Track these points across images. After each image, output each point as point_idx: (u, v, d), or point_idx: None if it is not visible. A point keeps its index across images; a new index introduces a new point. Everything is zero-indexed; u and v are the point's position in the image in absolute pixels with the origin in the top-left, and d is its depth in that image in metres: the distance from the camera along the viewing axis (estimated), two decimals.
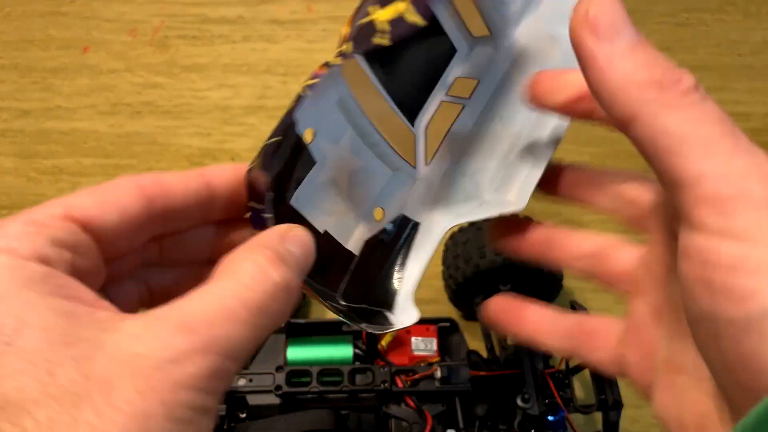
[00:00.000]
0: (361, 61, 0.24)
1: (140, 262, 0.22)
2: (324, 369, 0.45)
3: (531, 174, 0.26)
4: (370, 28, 0.23)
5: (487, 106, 0.27)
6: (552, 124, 0.27)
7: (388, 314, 0.26)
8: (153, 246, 0.22)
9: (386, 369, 0.45)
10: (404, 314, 0.26)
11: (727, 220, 0.15)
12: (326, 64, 0.23)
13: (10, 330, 0.15)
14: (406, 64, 0.24)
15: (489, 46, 0.25)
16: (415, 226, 0.27)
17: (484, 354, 0.49)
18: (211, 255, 0.23)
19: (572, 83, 0.23)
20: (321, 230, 0.23)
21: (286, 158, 0.22)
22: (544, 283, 0.53)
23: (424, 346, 0.50)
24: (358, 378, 0.45)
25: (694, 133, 0.16)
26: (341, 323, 0.50)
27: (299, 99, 0.22)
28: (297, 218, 0.23)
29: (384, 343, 0.49)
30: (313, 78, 0.22)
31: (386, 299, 0.26)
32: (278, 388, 0.44)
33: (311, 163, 0.23)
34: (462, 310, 0.59)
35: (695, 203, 0.16)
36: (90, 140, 0.70)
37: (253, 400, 0.44)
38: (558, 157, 0.27)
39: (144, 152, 0.70)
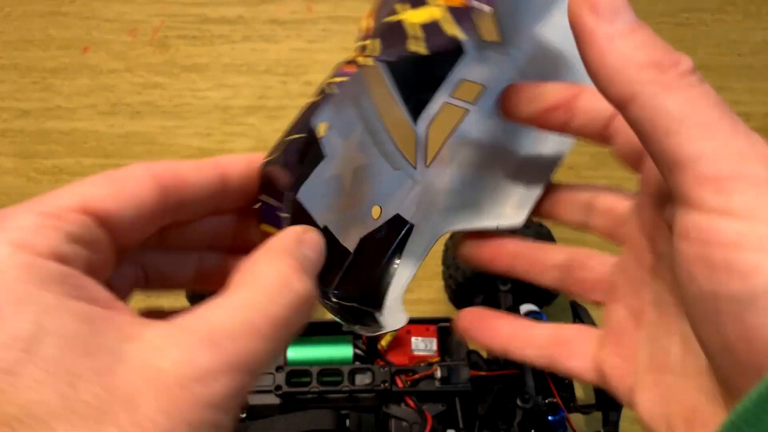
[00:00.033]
0: (381, 66, 0.23)
1: (139, 246, 0.21)
2: (324, 369, 0.45)
3: (531, 189, 0.26)
4: (400, 30, 0.22)
5: (492, 115, 0.27)
6: (556, 140, 0.26)
7: (378, 315, 0.26)
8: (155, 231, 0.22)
9: (386, 369, 0.45)
10: (393, 317, 0.26)
11: (728, 198, 0.15)
12: (354, 63, 0.22)
13: (29, 337, 0.14)
14: (414, 60, 0.24)
15: (498, 52, 0.25)
16: (410, 228, 0.27)
17: (484, 354, 0.49)
18: (212, 242, 0.23)
19: (545, 94, 0.23)
20: (321, 225, 0.23)
21: (303, 153, 0.22)
22: None
23: (424, 346, 0.50)
24: (358, 378, 0.45)
25: (693, 113, 0.16)
26: (341, 323, 0.50)
27: (325, 97, 0.22)
28: (300, 211, 0.23)
29: (384, 343, 0.49)
30: (340, 75, 0.22)
31: (376, 300, 0.26)
32: (278, 388, 0.44)
33: (321, 157, 0.23)
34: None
35: (694, 183, 0.16)
36: (90, 140, 0.70)
37: (253, 400, 0.44)
38: None
39: (144, 152, 0.70)
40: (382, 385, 0.44)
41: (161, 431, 0.14)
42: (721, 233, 0.15)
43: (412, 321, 0.51)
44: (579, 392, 0.49)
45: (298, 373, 0.45)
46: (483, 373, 0.46)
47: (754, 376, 0.15)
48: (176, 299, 0.48)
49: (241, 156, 0.22)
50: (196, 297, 0.53)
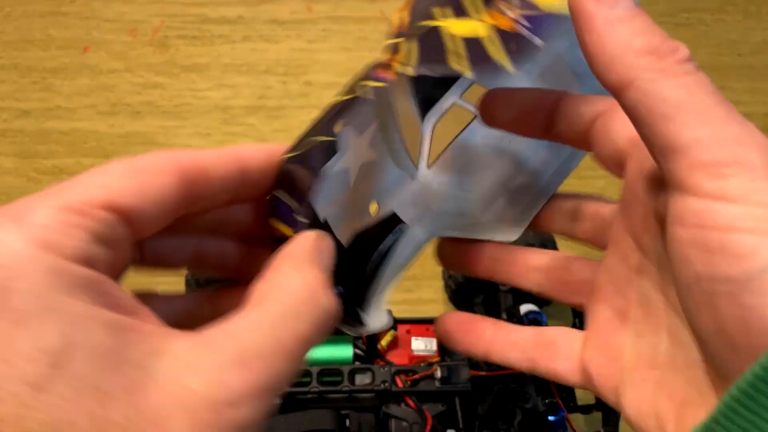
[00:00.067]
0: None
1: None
2: (324, 369, 0.45)
3: (530, 205, 0.26)
4: (439, 39, 0.21)
5: None
6: (561, 160, 0.26)
7: (362, 314, 0.26)
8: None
9: (386, 369, 0.45)
10: (376, 318, 0.26)
11: (723, 183, 0.16)
12: (391, 68, 0.21)
13: (58, 351, 0.14)
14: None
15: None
16: (402, 228, 0.27)
17: None
18: (215, 228, 0.23)
19: (524, 99, 0.23)
20: (321, 219, 0.23)
21: (328, 158, 0.22)
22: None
23: (424, 346, 0.50)
24: (358, 378, 0.45)
25: (690, 100, 0.16)
26: None
27: (357, 99, 0.21)
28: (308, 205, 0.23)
29: (384, 343, 0.49)
30: (376, 80, 0.21)
31: (362, 297, 0.26)
32: None
33: (333, 151, 0.23)
34: (462, 310, 0.59)
35: (690, 168, 0.16)
36: (90, 140, 0.70)
37: None
38: None
39: (144, 152, 0.70)
40: (382, 385, 0.44)
41: None
42: (716, 217, 0.16)
43: (412, 321, 0.51)
44: (579, 392, 0.49)
45: None
46: (483, 373, 0.46)
47: (749, 359, 0.15)
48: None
49: (261, 147, 0.21)
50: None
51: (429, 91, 0.25)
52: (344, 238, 0.25)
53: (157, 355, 0.15)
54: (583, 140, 0.23)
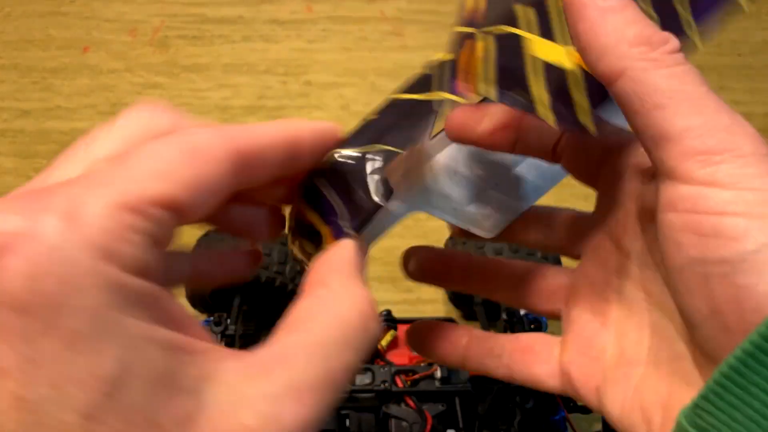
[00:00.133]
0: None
1: None
2: None
3: (513, 208, 0.26)
4: (519, 58, 0.19)
5: None
6: (553, 169, 0.26)
7: None
8: None
9: (386, 369, 0.45)
10: None
11: (714, 170, 0.16)
12: (474, 86, 0.20)
13: (113, 378, 0.12)
14: None
15: None
16: (389, 193, 0.26)
17: None
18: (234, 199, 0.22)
19: (492, 114, 0.23)
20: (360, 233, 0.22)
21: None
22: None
23: None
24: (358, 378, 0.45)
25: (682, 89, 0.17)
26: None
27: (432, 113, 0.20)
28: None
29: (384, 343, 0.49)
30: (454, 94, 0.20)
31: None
32: None
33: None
34: (462, 310, 0.59)
35: (681, 156, 0.16)
36: None
37: None
38: None
39: None
40: (382, 385, 0.44)
41: None
42: (708, 202, 0.16)
43: (412, 321, 0.51)
44: None
45: None
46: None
47: (742, 338, 0.15)
48: None
49: (314, 128, 0.20)
50: (196, 297, 0.53)
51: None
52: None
53: (208, 380, 0.14)
54: (551, 153, 0.24)
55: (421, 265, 0.27)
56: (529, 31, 0.20)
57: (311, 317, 0.16)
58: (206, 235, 0.52)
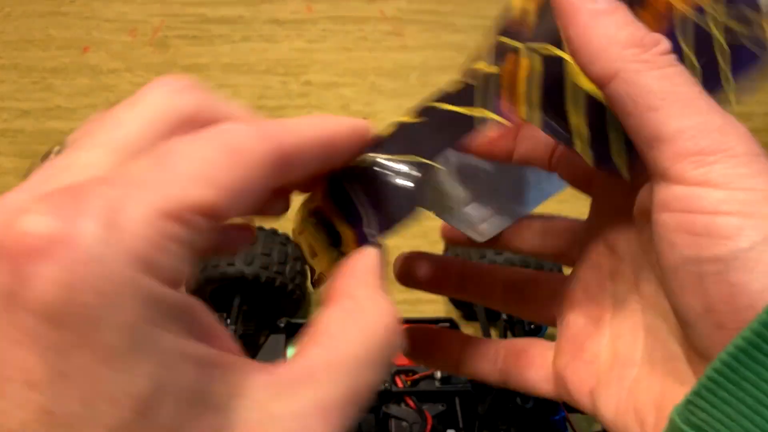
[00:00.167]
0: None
1: None
2: None
3: (510, 213, 0.27)
4: (561, 84, 0.19)
5: None
6: (552, 180, 0.26)
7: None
8: None
9: None
10: None
11: (707, 170, 0.16)
12: (519, 108, 0.19)
13: (146, 396, 0.12)
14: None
15: None
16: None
17: None
18: None
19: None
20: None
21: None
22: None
23: None
24: None
25: (674, 90, 0.17)
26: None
27: (474, 131, 0.19)
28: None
29: None
30: (498, 115, 0.19)
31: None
32: None
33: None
34: (462, 310, 0.59)
35: (675, 158, 0.17)
36: None
37: None
38: None
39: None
40: (381, 385, 0.44)
41: None
42: (702, 201, 0.16)
43: (412, 321, 0.51)
44: None
45: None
46: None
47: (735, 335, 0.15)
48: None
49: (350, 126, 0.19)
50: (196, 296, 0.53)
51: None
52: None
53: (238, 397, 0.14)
54: (547, 162, 0.24)
55: (417, 269, 0.27)
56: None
57: (338, 331, 0.16)
58: None
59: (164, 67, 0.76)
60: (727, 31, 0.19)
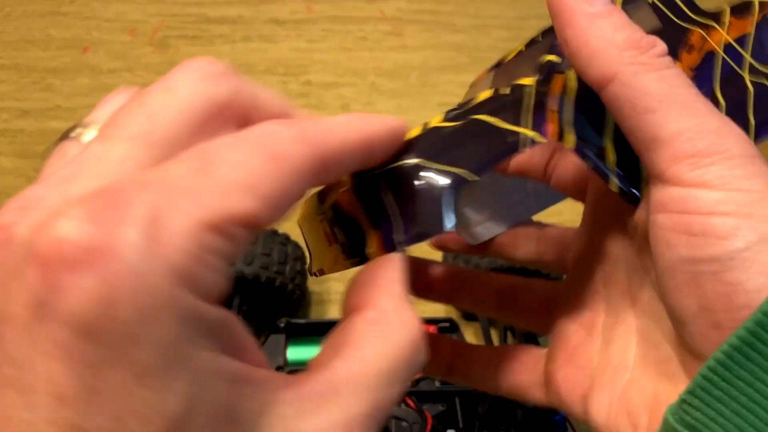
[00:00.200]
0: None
1: None
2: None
3: (506, 219, 0.27)
4: (595, 120, 0.19)
5: None
6: (547, 193, 0.26)
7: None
8: None
9: None
10: None
11: (703, 171, 0.16)
12: (554, 128, 0.19)
13: (177, 416, 0.12)
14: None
15: None
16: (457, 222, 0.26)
17: None
18: None
19: None
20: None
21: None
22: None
23: None
24: None
25: (671, 92, 0.17)
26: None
27: (510, 145, 0.19)
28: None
29: None
30: (537, 132, 0.19)
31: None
32: None
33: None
34: (462, 309, 0.59)
35: (672, 159, 0.17)
36: None
37: None
38: None
39: None
40: None
41: None
42: (698, 202, 0.16)
43: None
44: None
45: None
46: None
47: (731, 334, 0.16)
48: None
49: (387, 126, 0.18)
50: None
51: None
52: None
53: (265, 414, 0.14)
54: (541, 173, 0.24)
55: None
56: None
57: (363, 343, 0.16)
58: None
59: (164, 67, 0.76)
60: (752, 71, 0.20)
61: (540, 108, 0.19)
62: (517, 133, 0.19)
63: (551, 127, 0.19)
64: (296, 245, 0.54)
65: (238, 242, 0.13)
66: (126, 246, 0.11)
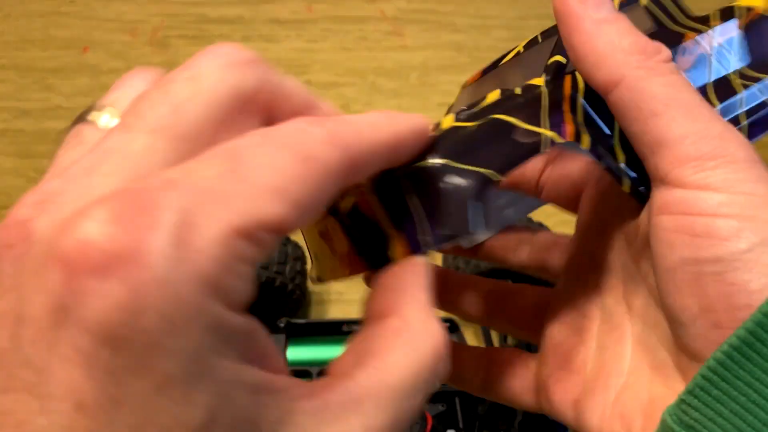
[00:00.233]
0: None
1: None
2: (324, 369, 0.45)
3: (492, 224, 0.27)
4: (603, 120, 0.19)
5: None
6: (532, 200, 0.27)
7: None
8: None
9: None
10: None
11: (707, 174, 0.17)
12: (572, 128, 0.19)
13: (200, 426, 0.11)
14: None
15: None
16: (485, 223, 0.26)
17: None
18: None
19: None
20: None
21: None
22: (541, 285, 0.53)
23: None
24: None
25: (677, 97, 0.17)
26: (341, 323, 0.50)
27: (531, 146, 0.19)
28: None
29: None
30: (557, 133, 0.19)
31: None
32: None
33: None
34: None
35: (676, 162, 0.17)
36: None
37: None
38: None
39: None
40: None
41: None
42: (701, 204, 0.16)
43: None
44: None
45: (298, 373, 0.45)
46: None
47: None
48: None
49: (413, 126, 0.18)
50: None
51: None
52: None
53: (285, 424, 0.13)
54: (533, 187, 0.25)
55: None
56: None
57: (386, 354, 0.15)
58: None
59: (164, 67, 0.76)
60: (742, 76, 0.20)
61: (556, 108, 0.19)
62: (538, 134, 0.18)
63: (569, 128, 0.19)
64: (296, 245, 0.54)
65: (265, 248, 0.13)
66: (154, 252, 0.11)
